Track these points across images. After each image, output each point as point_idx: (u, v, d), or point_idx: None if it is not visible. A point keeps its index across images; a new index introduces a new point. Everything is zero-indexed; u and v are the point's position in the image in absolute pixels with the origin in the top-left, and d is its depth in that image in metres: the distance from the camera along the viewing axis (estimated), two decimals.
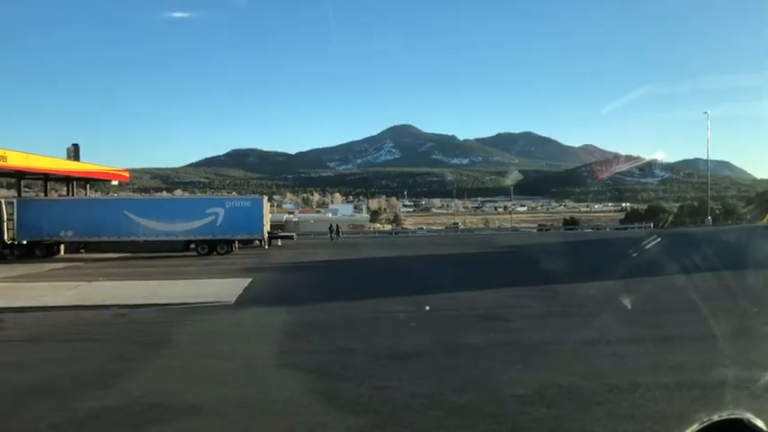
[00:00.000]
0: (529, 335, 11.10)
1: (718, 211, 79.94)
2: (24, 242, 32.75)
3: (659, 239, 30.00)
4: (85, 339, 11.25)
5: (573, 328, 11.72)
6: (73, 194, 43.04)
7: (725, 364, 8.46)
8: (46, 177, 40.75)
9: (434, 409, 6.73)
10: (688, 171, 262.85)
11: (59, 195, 46.81)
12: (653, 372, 8.06)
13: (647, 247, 27.50)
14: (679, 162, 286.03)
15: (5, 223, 32.26)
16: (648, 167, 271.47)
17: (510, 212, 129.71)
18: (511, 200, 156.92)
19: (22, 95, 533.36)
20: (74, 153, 42.57)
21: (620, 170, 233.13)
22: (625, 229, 69.55)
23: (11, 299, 16.43)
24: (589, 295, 15.90)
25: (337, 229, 50.66)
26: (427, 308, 14.28)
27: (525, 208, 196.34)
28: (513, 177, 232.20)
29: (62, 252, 34.06)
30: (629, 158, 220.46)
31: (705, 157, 71.82)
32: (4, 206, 32.55)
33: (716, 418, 1.85)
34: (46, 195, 42.90)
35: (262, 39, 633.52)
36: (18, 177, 38.72)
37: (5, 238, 32.19)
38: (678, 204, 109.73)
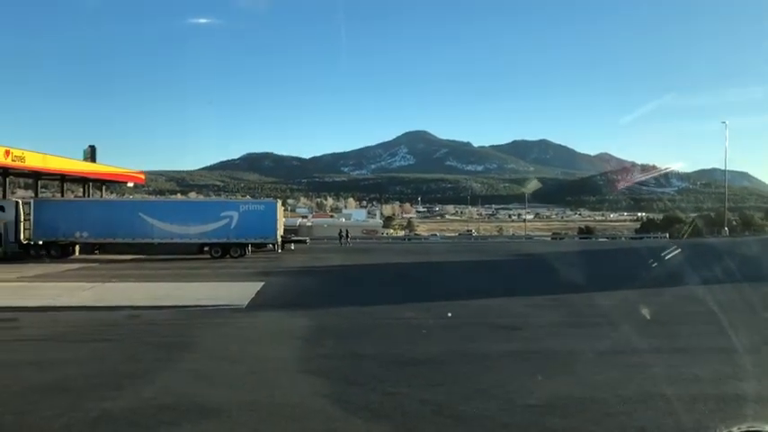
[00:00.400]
0: (542, 344, 11.04)
1: (735, 222, 79.12)
2: (40, 242, 33.09)
3: (678, 250, 29.67)
4: (99, 340, 11.34)
5: (586, 337, 11.65)
6: (89, 196, 43.47)
7: (741, 377, 8.37)
8: (62, 178, 41.22)
9: (445, 417, 6.71)
10: (705, 181, 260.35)
11: (76, 196, 47.28)
12: (667, 383, 7.98)
13: (666, 257, 27.16)
14: (696, 172, 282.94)
15: (22, 223, 32.66)
16: (665, 177, 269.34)
17: (524, 220, 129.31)
18: (525, 207, 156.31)
19: (41, 97, 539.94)
20: (90, 155, 43.02)
21: (637, 180, 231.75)
22: (640, 238, 69.00)
23: (27, 299, 16.62)
24: (603, 305, 15.77)
25: (347, 234, 51.34)
26: (450, 314, 14.22)
27: (531, 216, 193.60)
28: (531, 186, 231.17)
29: (77, 253, 34.33)
30: (645, 167, 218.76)
31: (723, 168, 71.31)
32: (21, 206, 32.94)
33: (735, 430, 1.84)
34: (62, 196, 43.35)
35: (277, 44, 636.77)
36: (35, 178, 39.22)
37: (22, 238, 32.58)
38: (695, 215, 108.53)
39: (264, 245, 35.24)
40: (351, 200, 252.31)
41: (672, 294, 17.54)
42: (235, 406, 7.09)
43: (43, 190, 44.68)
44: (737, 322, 12.04)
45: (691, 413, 6.82)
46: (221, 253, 33.47)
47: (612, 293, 17.98)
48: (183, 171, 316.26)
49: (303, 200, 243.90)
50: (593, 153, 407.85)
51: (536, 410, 6.95)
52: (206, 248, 33.81)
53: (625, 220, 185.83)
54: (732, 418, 6.64)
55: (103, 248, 34.68)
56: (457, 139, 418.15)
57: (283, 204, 45.76)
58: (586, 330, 12.56)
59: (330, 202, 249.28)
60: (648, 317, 13.60)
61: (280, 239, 35.52)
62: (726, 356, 9.58)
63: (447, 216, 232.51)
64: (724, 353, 9.82)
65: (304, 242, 42.93)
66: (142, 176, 50.14)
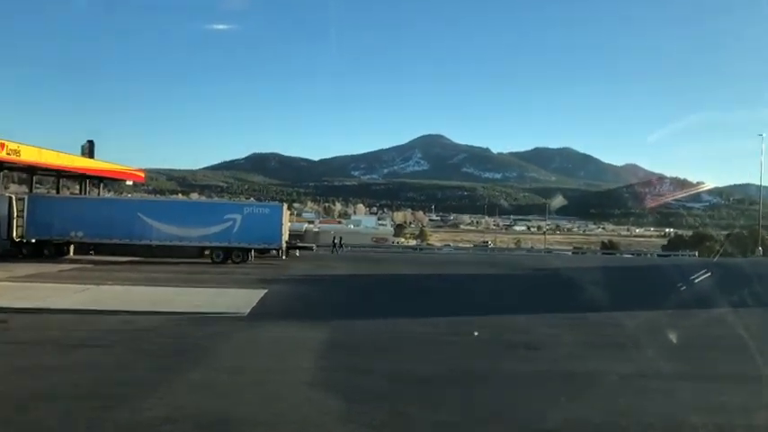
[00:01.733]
0: (561, 365, 10.98)
1: None
2: (33, 241, 33.26)
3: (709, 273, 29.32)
4: (90, 346, 11.40)
5: (608, 359, 11.57)
6: (86, 193, 43.74)
7: None
8: (59, 174, 41.47)
9: None
10: (738, 197, 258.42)
11: (72, 194, 47.59)
12: (693, 411, 7.93)
13: (695, 279, 26.82)
14: (729, 187, 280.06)
15: (15, 220, 32.78)
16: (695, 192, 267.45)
17: (544, 233, 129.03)
18: (546, 219, 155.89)
19: (39, 90, 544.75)
20: (88, 150, 43.22)
21: (665, 194, 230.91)
22: (667, 256, 68.51)
23: (16, 299, 16.68)
24: (627, 326, 15.64)
25: (340, 242, 52.19)
26: (463, 331, 14.17)
27: (552, 228, 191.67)
28: (557, 202, 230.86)
29: (71, 253, 34.52)
30: (674, 181, 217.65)
31: (758, 183, 70.61)
32: (14, 202, 33.11)
33: None
34: (58, 193, 43.64)
35: (287, 41, 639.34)
36: (30, 173, 39.53)
37: (14, 235, 32.71)
38: (726, 232, 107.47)
39: (268, 250, 35.31)
40: (360, 205, 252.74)
41: (700, 317, 17.38)
42: (235, 419, 7.10)
43: (38, 186, 45.01)
44: None
45: None
46: (222, 257, 33.54)
47: (637, 314, 17.84)
48: (185, 170, 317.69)
49: (310, 204, 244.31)
50: (619, 164, 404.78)
51: None
52: (206, 252, 33.93)
53: (651, 236, 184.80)
54: None
55: (99, 249, 34.86)
56: (475, 144, 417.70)
57: (289, 208, 45.87)
58: (608, 352, 12.48)
59: (338, 207, 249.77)
60: (675, 340, 13.49)
61: (284, 245, 35.59)
62: (756, 385, 9.50)
63: (462, 226, 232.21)
64: (754, 381, 9.74)
65: (310, 249, 43.02)
66: (142, 175, 50.40)
